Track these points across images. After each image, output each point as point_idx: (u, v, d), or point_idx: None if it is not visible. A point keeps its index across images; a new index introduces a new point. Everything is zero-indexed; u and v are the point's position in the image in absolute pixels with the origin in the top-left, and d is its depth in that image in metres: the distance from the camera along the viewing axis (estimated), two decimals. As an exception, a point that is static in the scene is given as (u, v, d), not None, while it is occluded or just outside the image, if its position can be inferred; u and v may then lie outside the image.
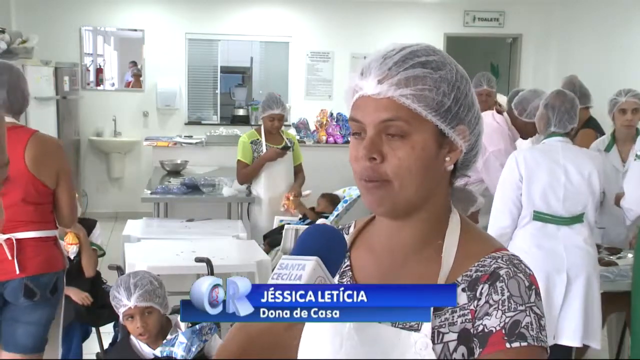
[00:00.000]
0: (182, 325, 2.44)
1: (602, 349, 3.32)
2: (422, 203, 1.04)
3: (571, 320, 3.05)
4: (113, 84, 8.81)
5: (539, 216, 3.10)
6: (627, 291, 3.42)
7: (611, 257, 3.66)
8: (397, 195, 1.01)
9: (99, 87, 8.72)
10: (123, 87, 8.92)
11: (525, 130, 3.89)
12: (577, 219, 3.11)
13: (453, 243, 1.05)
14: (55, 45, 7.70)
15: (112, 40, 9.84)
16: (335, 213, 4.57)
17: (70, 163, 3.35)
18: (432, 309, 0.99)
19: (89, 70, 8.59)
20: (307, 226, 4.25)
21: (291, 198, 4.63)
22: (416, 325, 1.00)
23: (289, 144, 4.79)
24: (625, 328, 3.79)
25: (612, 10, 7.01)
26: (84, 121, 8.09)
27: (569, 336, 3.06)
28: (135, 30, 8.29)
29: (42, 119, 6.85)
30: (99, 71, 9.04)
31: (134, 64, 8.82)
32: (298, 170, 4.86)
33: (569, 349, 3.17)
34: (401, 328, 1.01)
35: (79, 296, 3.53)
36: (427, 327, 0.99)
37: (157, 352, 2.40)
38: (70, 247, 3.52)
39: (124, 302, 2.47)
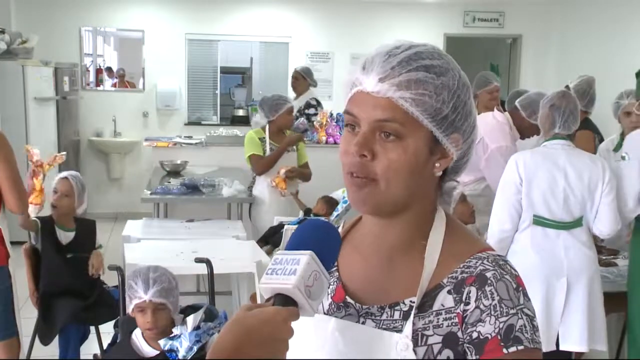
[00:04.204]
0: (189, 324, 2.43)
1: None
2: (408, 203, 1.03)
3: (576, 325, 3.04)
4: (115, 84, 8.81)
5: (538, 220, 3.09)
6: (626, 291, 3.42)
7: (610, 257, 3.66)
8: (381, 195, 1.01)
9: (98, 88, 8.72)
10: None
11: (529, 131, 3.89)
12: (577, 222, 3.10)
13: (437, 242, 1.04)
14: (55, 46, 7.71)
15: (112, 40, 9.84)
16: (335, 213, 4.57)
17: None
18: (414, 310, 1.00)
19: (88, 71, 8.59)
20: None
21: (282, 172, 4.61)
22: (400, 326, 1.00)
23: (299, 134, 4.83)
24: (625, 328, 3.79)
25: (612, 11, 7.01)
26: (83, 122, 8.10)
27: (575, 341, 3.04)
28: (135, 30, 8.29)
29: (41, 119, 6.87)
30: (99, 71, 9.04)
31: (110, 70, 8.94)
32: (304, 168, 4.87)
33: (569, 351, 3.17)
34: (384, 329, 1.01)
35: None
36: (408, 328, 0.99)
37: (161, 342, 2.39)
38: (32, 206, 3.55)
39: (139, 294, 2.45)
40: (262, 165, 4.74)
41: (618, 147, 3.97)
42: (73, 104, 7.75)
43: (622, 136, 3.98)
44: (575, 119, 3.13)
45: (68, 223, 3.67)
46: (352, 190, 1.03)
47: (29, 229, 3.57)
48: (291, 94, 6.87)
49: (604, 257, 3.57)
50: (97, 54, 9.41)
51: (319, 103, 6.75)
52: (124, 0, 8.12)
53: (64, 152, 3.76)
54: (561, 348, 3.06)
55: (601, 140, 4.40)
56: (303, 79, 6.69)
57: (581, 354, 3.20)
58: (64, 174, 3.74)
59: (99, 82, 8.89)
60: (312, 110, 6.48)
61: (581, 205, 3.09)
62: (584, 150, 3.28)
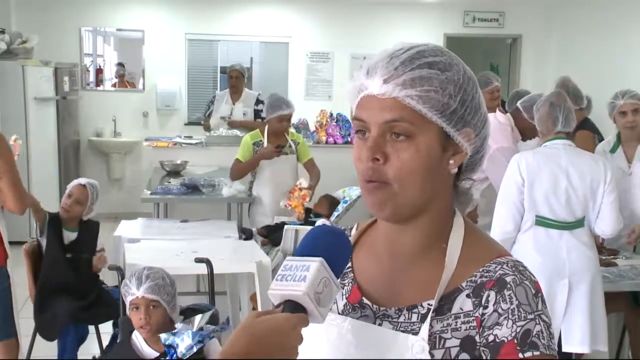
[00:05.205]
0: (196, 324, 2.43)
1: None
2: (425, 206, 1.02)
3: (577, 326, 3.04)
4: (115, 84, 8.82)
5: (541, 221, 3.09)
6: (626, 292, 3.42)
7: (610, 257, 3.66)
8: (398, 198, 1.00)
9: (98, 88, 8.73)
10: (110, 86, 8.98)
11: (531, 132, 3.90)
12: (579, 223, 3.10)
13: (457, 246, 1.04)
14: (55, 46, 7.71)
15: (112, 40, 9.84)
16: (335, 214, 4.57)
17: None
18: (433, 313, 0.99)
19: (88, 71, 8.59)
20: (306, 226, 4.25)
21: (305, 192, 4.52)
22: (418, 329, 1.00)
23: (292, 145, 4.77)
24: (625, 328, 3.79)
25: (612, 10, 7.01)
26: (83, 122, 8.10)
27: (577, 343, 3.04)
28: (135, 30, 8.29)
29: (41, 119, 6.87)
30: (99, 71, 9.04)
31: (121, 65, 8.88)
32: (310, 167, 4.84)
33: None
34: (402, 331, 1.01)
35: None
36: (425, 330, 0.98)
37: (163, 336, 2.40)
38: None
39: (132, 290, 2.48)
40: (235, 171, 4.75)
41: (615, 148, 3.97)
42: (73, 104, 7.74)
43: (618, 137, 3.98)
44: (573, 117, 3.15)
45: (73, 225, 3.68)
46: (367, 195, 1.02)
47: (38, 219, 3.58)
48: (292, 95, 6.89)
49: (604, 257, 3.57)
50: (97, 54, 9.41)
51: None
52: (124, 0, 8.11)
53: (16, 136, 3.70)
54: (563, 349, 3.06)
55: (601, 139, 4.40)
56: (243, 77, 6.66)
57: (581, 354, 3.20)
58: (82, 180, 3.73)
59: (99, 82, 8.89)
60: (261, 107, 6.34)
61: (583, 205, 3.09)
62: (584, 150, 3.29)
